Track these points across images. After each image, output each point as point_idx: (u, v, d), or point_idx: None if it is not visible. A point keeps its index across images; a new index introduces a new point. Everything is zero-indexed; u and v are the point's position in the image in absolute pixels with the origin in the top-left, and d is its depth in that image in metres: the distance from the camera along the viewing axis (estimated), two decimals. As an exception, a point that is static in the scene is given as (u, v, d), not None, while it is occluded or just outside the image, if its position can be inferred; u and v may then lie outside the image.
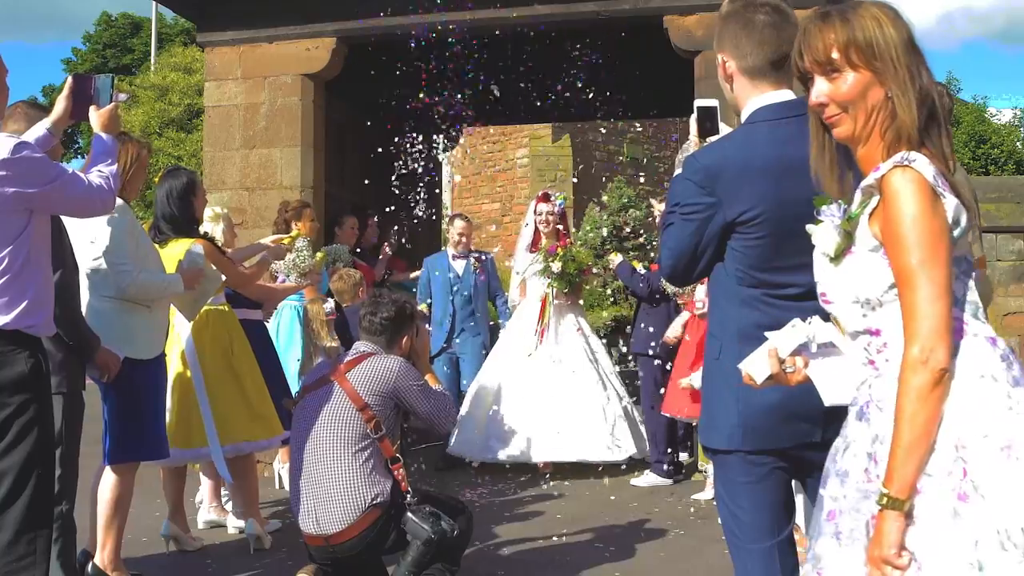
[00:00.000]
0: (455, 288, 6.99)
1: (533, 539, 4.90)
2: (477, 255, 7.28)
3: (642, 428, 6.49)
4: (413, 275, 7.57)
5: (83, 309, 3.90)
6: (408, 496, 3.58)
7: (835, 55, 1.80)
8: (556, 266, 6.56)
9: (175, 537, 4.70)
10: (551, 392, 6.42)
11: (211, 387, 4.58)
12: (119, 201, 3.99)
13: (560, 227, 6.93)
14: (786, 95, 2.35)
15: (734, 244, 2.30)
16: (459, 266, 7.12)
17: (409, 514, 3.53)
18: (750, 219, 2.26)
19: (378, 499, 3.51)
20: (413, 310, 3.94)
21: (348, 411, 3.57)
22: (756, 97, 2.35)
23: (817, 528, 1.84)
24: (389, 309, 3.80)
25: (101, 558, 4.01)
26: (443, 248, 7.43)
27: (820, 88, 1.84)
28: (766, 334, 2.05)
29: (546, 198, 7.00)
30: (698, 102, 2.63)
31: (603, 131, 19.35)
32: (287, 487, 4.88)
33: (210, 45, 7.29)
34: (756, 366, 1.98)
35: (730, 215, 2.27)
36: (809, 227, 1.90)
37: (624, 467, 6.30)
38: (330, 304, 5.87)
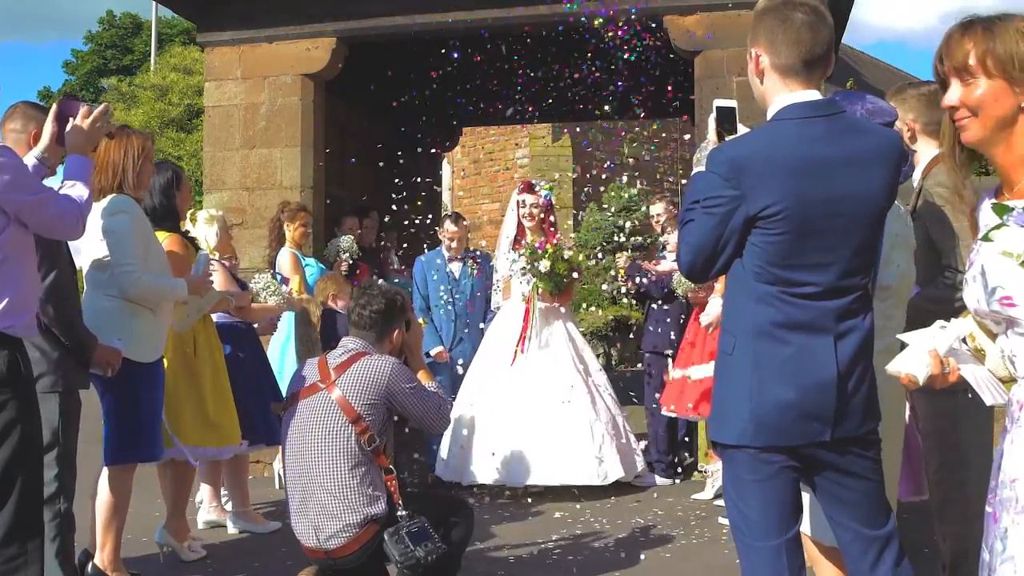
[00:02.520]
0: (454, 292, 6.62)
1: (533, 539, 4.90)
2: (473, 255, 6.88)
3: (633, 446, 6.04)
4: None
5: (85, 307, 3.87)
6: (399, 510, 3.43)
7: (971, 62, 1.88)
8: (543, 265, 5.94)
9: (170, 546, 4.62)
10: (533, 409, 5.81)
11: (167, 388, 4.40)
12: (127, 199, 3.98)
13: (547, 221, 6.31)
14: (814, 95, 2.36)
15: (754, 239, 2.30)
16: (456, 269, 6.73)
17: (385, 536, 3.37)
18: (773, 214, 2.26)
19: (377, 515, 3.41)
20: (404, 302, 3.75)
21: (341, 424, 3.42)
22: (785, 95, 2.36)
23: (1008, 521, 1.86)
24: (379, 301, 3.62)
25: (101, 558, 4.00)
26: (439, 248, 6.92)
27: (953, 92, 1.93)
28: (899, 336, 2.08)
29: (530, 188, 6.35)
30: (717, 102, 2.64)
31: (603, 130, 19.33)
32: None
33: (210, 45, 7.29)
34: (917, 366, 1.99)
35: (753, 209, 2.27)
36: (992, 233, 1.92)
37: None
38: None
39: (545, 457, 5.71)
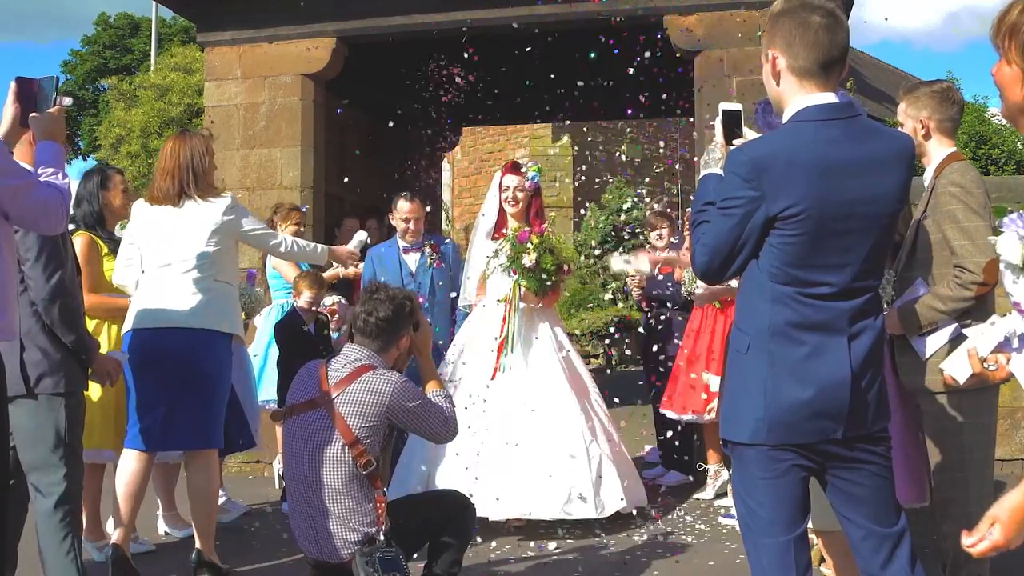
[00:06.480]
0: (409, 288, 5.29)
1: (532, 539, 4.90)
2: (433, 242, 5.90)
3: (634, 472, 5.23)
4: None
5: (196, 295, 4.06)
6: (380, 532, 3.31)
7: (1001, 42, 1.88)
8: (528, 259, 5.01)
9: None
10: (517, 428, 4.87)
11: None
12: (230, 197, 4.26)
13: (533, 208, 5.34)
14: (831, 97, 2.38)
15: (772, 240, 2.32)
16: (412, 261, 5.78)
17: (356, 555, 3.27)
18: (793, 215, 2.28)
19: (378, 533, 3.35)
20: (413, 306, 3.60)
21: (339, 446, 3.31)
22: (802, 97, 2.38)
23: None
24: (386, 308, 3.46)
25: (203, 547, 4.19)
26: (395, 238, 5.97)
27: (995, 65, 1.92)
28: (964, 331, 2.07)
29: (515, 168, 5.39)
30: (723, 105, 2.67)
31: (602, 129, 19.36)
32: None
33: (210, 45, 7.30)
34: (957, 367, 2.01)
35: (773, 210, 2.28)
36: (991, 238, 1.92)
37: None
38: (333, 297, 5.84)
39: (532, 488, 4.76)
